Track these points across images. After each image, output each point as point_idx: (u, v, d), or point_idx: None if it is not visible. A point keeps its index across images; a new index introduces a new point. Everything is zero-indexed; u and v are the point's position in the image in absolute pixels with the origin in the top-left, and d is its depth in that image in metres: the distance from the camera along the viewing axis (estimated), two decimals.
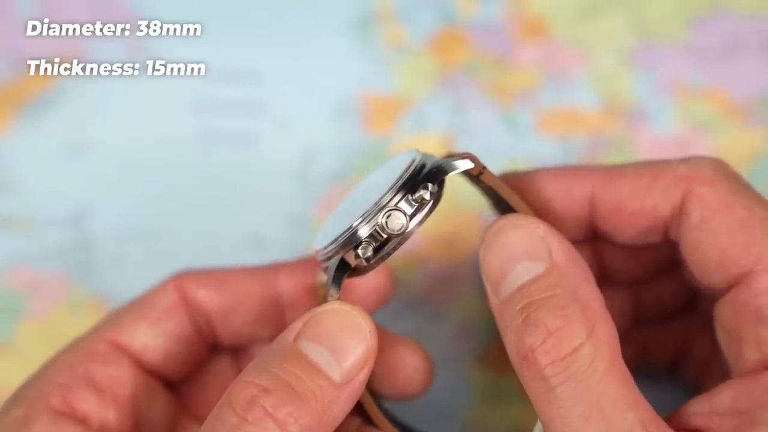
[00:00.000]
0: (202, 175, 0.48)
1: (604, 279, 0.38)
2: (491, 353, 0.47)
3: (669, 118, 0.48)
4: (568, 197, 0.35)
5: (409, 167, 0.33)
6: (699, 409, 0.32)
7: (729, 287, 0.33)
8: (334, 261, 0.34)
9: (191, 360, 0.38)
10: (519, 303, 0.31)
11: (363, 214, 0.33)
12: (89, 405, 0.35)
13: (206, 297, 0.38)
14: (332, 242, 0.34)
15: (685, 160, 0.34)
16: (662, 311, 0.41)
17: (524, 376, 0.31)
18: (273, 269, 0.38)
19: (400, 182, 0.33)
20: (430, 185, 0.33)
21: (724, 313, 0.33)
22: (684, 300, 0.40)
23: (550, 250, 0.32)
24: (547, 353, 0.30)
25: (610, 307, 0.32)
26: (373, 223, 0.33)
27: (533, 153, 0.48)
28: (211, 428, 0.31)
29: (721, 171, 0.34)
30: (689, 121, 0.48)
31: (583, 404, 0.30)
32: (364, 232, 0.33)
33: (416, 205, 0.33)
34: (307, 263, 0.38)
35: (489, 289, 0.33)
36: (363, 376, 0.32)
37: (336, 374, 0.31)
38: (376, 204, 0.33)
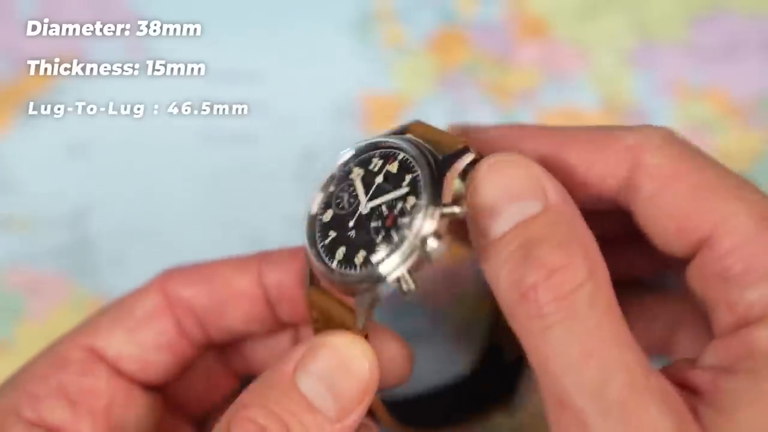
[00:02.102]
0: (202, 174, 0.48)
1: None
2: None
3: (669, 118, 0.48)
4: None
5: (422, 182, 0.32)
6: (684, 366, 0.32)
7: (692, 253, 0.32)
8: (368, 296, 0.32)
9: (173, 365, 0.37)
10: (516, 240, 0.30)
11: (398, 246, 0.31)
12: (62, 417, 0.35)
13: (193, 296, 0.37)
14: (366, 277, 0.32)
15: (634, 129, 0.34)
16: (635, 281, 0.41)
17: (519, 314, 0.30)
18: (257, 261, 0.37)
19: (427, 205, 0.31)
20: (457, 209, 0.31)
21: (693, 280, 0.33)
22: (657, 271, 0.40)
23: (545, 189, 0.31)
24: (549, 291, 0.29)
25: None
26: (414, 256, 0.31)
27: None
28: None
29: (669, 138, 0.33)
30: (689, 121, 0.48)
31: (582, 342, 0.29)
32: (402, 267, 0.31)
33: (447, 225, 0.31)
34: (291, 253, 0.37)
35: (477, 230, 0.32)
36: (361, 410, 0.32)
37: (332, 412, 0.32)
38: (412, 235, 0.31)
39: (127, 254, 0.47)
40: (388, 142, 0.34)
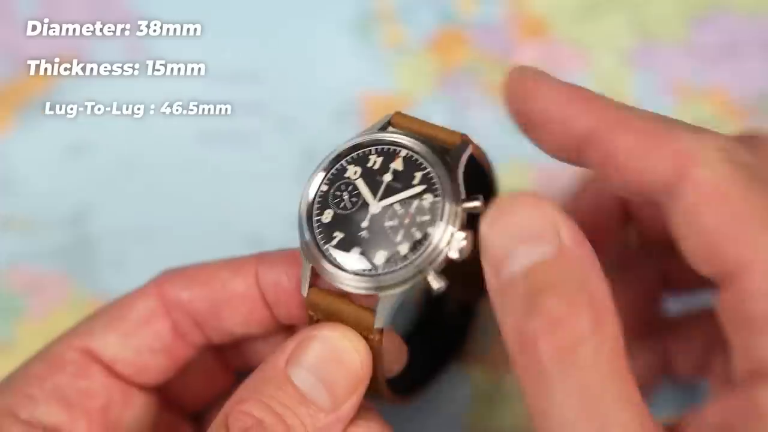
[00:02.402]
0: (202, 175, 0.48)
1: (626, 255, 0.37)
2: (491, 353, 0.47)
3: None
4: (567, 125, 0.33)
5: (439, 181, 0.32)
6: (690, 422, 0.31)
7: (719, 282, 0.31)
8: (394, 296, 0.32)
9: (170, 366, 0.37)
10: (523, 286, 0.29)
11: (422, 245, 0.32)
12: (58, 418, 0.35)
13: (189, 299, 0.37)
14: (390, 278, 0.32)
15: (695, 132, 0.31)
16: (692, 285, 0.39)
17: (521, 364, 0.29)
18: (254, 263, 0.37)
19: (448, 212, 0.32)
20: (479, 201, 0.32)
21: (719, 312, 0.31)
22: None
23: (559, 232, 0.30)
24: (551, 342, 0.28)
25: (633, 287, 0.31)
26: (442, 255, 0.32)
27: (533, 153, 0.47)
28: None
29: (726, 153, 0.31)
30: (689, 121, 0.48)
31: (581, 398, 0.28)
32: (430, 267, 0.32)
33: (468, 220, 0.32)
34: (287, 255, 0.37)
35: (488, 269, 0.30)
36: (355, 399, 0.33)
37: (325, 402, 0.32)
38: (439, 234, 0.32)
39: (127, 254, 0.47)
40: (385, 138, 0.34)
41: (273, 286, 0.36)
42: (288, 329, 0.39)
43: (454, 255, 0.32)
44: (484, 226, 0.30)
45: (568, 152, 0.33)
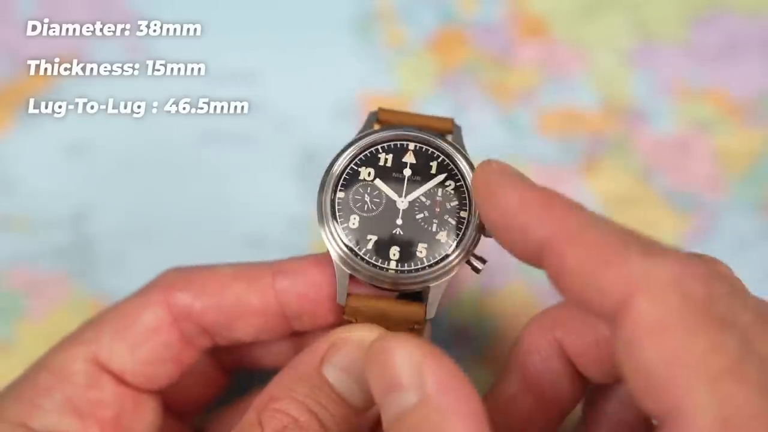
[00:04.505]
0: (202, 175, 0.48)
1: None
2: (491, 353, 0.47)
3: (669, 118, 0.48)
4: (525, 233, 0.31)
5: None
6: None
7: (659, 421, 0.28)
8: (442, 285, 0.34)
9: (176, 371, 0.37)
10: None
11: (460, 229, 0.34)
12: (71, 429, 0.35)
13: (201, 311, 0.36)
14: (437, 268, 0.34)
15: (650, 253, 0.28)
16: None
17: None
18: (269, 274, 0.37)
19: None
20: None
21: None
22: None
23: (423, 378, 0.29)
24: None
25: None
26: (476, 235, 0.34)
27: (533, 153, 0.48)
28: None
29: (677, 283, 0.28)
30: (689, 121, 0.48)
31: None
32: (470, 249, 0.34)
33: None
34: (302, 264, 0.37)
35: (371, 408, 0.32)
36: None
37: (359, 402, 0.33)
38: (474, 216, 0.34)
39: (127, 254, 0.47)
40: (387, 135, 0.35)
41: (297, 298, 0.36)
42: (295, 332, 0.39)
43: (483, 234, 0.34)
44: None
45: (530, 257, 0.31)
